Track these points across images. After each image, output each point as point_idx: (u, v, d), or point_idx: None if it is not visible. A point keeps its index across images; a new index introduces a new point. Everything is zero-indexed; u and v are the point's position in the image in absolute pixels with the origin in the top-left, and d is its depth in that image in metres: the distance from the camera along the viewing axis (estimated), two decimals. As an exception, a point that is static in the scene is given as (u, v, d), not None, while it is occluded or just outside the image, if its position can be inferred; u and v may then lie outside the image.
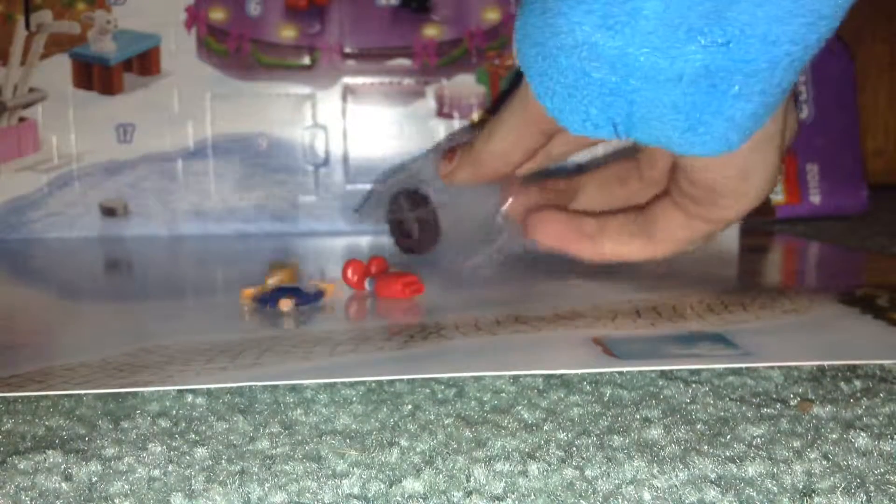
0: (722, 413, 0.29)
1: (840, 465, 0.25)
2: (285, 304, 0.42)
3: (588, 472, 0.24)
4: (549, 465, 0.25)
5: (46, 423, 0.29)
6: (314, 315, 0.41)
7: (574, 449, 0.26)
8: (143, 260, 0.62)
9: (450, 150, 0.44)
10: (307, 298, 0.43)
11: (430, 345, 0.35)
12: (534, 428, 0.28)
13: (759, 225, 0.76)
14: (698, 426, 0.28)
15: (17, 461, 0.26)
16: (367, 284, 0.46)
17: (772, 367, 0.33)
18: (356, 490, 0.24)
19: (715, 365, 0.32)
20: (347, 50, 0.73)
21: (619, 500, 0.23)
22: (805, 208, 0.80)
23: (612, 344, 0.35)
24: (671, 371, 0.33)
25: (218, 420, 0.29)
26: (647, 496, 0.23)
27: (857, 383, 0.32)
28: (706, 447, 0.26)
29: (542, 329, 0.38)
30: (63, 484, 0.24)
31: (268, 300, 0.42)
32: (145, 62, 0.71)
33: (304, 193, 0.73)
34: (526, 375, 0.33)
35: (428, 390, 0.31)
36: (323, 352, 0.34)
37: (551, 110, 0.33)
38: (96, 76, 0.71)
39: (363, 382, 0.32)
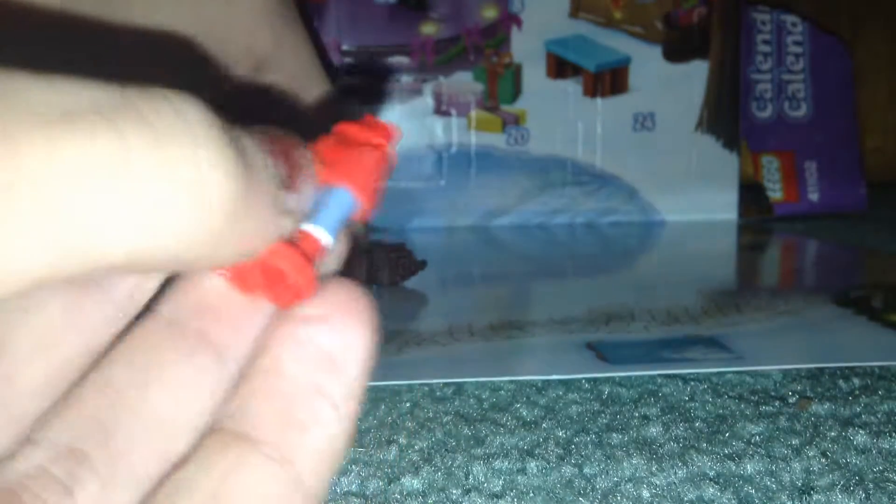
0: (720, 411, 0.29)
1: (839, 463, 0.25)
2: None
3: (587, 470, 0.24)
4: (548, 463, 0.25)
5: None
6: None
7: (573, 447, 0.26)
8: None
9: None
10: None
11: (425, 350, 0.35)
12: (532, 426, 0.28)
13: (758, 223, 0.76)
14: (697, 424, 0.28)
15: (14, 459, 0.25)
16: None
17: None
18: (354, 487, 0.24)
19: (707, 369, 0.32)
20: (345, 47, 0.72)
21: (618, 498, 0.23)
22: (804, 206, 0.80)
23: (605, 349, 0.35)
24: (670, 369, 0.33)
25: (216, 418, 0.29)
26: (645, 494, 0.23)
27: (856, 381, 0.32)
28: (705, 445, 0.26)
29: (537, 334, 0.38)
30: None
31: None
32: (143, 60, 0.71)
33: (303, 191, 0.73)
34: (519, 381, 0.33)
35: (426, 388, 0.31)
36: None
37: None
38: (94, 74, 0.70)
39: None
